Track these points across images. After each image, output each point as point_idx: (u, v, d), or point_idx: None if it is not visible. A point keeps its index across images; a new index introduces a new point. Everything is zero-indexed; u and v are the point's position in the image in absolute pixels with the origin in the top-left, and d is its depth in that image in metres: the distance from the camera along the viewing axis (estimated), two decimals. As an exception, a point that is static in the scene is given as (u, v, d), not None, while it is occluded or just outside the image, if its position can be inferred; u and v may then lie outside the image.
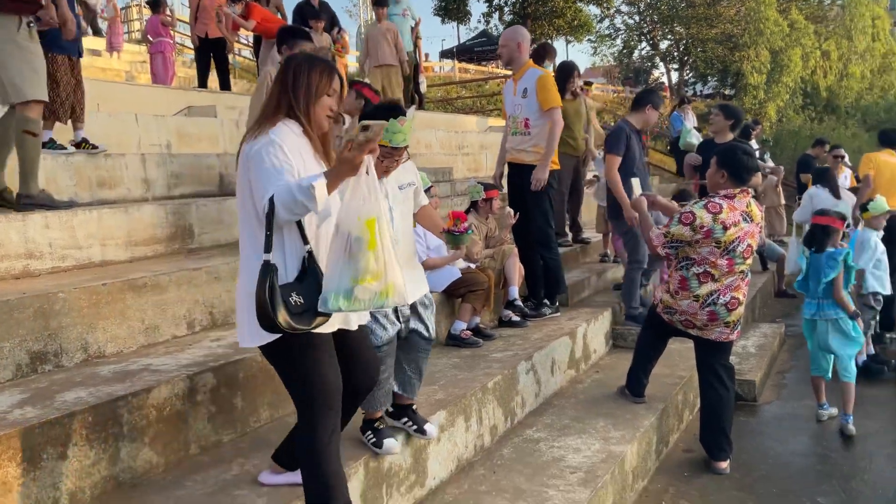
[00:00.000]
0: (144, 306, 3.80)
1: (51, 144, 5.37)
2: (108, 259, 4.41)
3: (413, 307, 3.29)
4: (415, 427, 3.45)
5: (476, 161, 10.68)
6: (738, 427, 5.11)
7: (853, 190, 8.92)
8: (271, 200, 2.37)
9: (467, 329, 5.10)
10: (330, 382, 2.58)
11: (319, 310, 2.47)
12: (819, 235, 5.29)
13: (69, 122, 5.61)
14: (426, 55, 23.45)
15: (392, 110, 2.98)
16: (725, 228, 4.19)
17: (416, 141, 10.37)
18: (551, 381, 5.00)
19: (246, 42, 16.11)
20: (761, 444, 5.06)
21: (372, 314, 3.04)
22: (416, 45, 11.19)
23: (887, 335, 7.10)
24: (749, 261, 4.38)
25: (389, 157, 2.99)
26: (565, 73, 7.58)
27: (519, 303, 5.68)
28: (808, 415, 5.59)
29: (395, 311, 3.20)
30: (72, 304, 3.45)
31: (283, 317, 2.38)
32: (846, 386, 5.27)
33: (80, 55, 5.65)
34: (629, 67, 41.41)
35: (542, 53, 7.11)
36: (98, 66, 12.77)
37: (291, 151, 2.49)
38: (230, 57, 10.82)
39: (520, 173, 5.64)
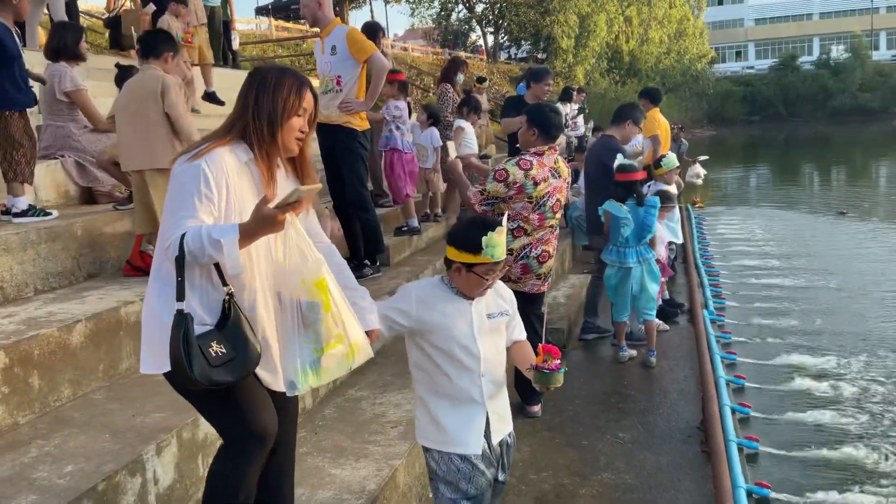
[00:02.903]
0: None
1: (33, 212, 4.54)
2: None
3: (500, 453, 2.80)
4: None
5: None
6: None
7: None
8: (182, 242, 2.10)
9: (286, 293, 5.02)
10: (262, 424, 2.34)
11: (288, 395, 2.28)
12: (637, 188, 5.65)
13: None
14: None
15: (485, 226, 2.58)
16: (536, 184, 4.38)
17: (231, 101, 9.96)
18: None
19: None
20: (570, 387, 5.39)
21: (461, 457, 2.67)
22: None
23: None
24: (558, 215, 4.61)
25: (492, 273, 2.62)
26: (371, 33, 7.41)
27: (339, 264, 5.65)
28: (610, 357, 6.02)
29: (489, 450, 2.72)
30: None
31: (201, 371, 2.12)
32: (650, 324, 5.78)
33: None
34: (447, 30, 41.95)
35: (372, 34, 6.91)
36: None
37: (220, 184, 2.20)
38: None
39: (332, 134, 5.55)
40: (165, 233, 2.19)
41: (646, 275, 5.76)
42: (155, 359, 2.26)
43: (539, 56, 39.11)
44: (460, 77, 9.03)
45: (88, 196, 5.60)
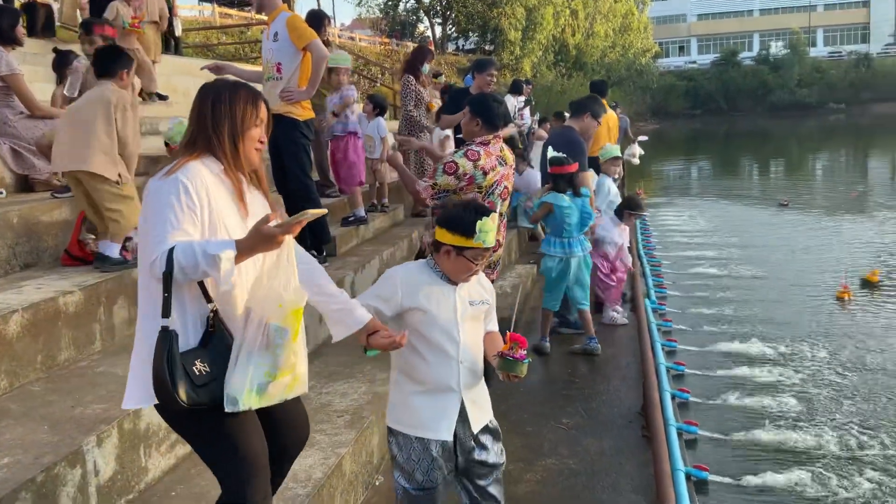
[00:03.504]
0: None
1: None
2: None
3: (476, 438, 2.75)
4: None
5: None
6: (496, 361, 5.48)
7: None
8: (170, 257, 2.05)
9: (230, 283, 4.97)
10: (254, 451, 2.26)
11: (227, 410, 2.16)
12: (574, 181, 5.74)
13: None
14: None
15: (480, 211, 2.61)
16: (485, 173, 4.40)
17: (173, 89, 9.81)
18: (320, 329, 5.03)
19: None
20: (516, 376, 5.46)
21: (415, 456, 2.66)
22: (168, -15, 10.47)
23: None
24: (506, 203, 4.65)
25: (481, 258, 2.64)
26: (315, 21, 7.31)
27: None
28: (555, 345, 6.11)
29: (466, 437, 2.70)
30: None
31: (184, 391, 2.07)
32: (585, 313, 5.89)
33: None
34: (395, 20, 41.73)
35: (317, 23, 6.84)
36: None
37: (201, 196, 2.16)
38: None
39: (274, 124, 5.47)
40: (147, 249, 2.13)
41: (582, 265, 5.87)
42: (139, 390, 2.20)
43: (487, 48, 39.23)
44: (426, 67, 8.47)
45: (25, 184, 5.44)
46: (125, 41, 7.24)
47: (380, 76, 18.69)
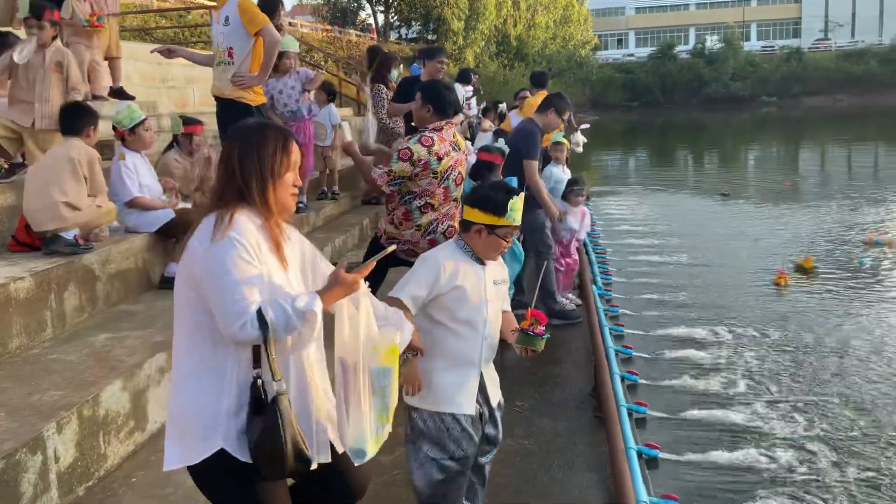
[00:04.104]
0: None
1: None
2: None
3: (492, 413, 2.96)
4: None
5: (183, 95, 10.11)
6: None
7: None
8: (261, 317, 1.95)
9: (183, 270, 4.91)
10: None
11: (356, 464, 2.14)
12: (482, 170, 5.80)
13: None
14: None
15: (509, 190, 2.74)
16: (440, 159, 4.44)
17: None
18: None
19: None
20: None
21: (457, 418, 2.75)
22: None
23: None
24: (461, 188, 4.69)
25: (510, 236, 2.78)
26: (269, 6, 7.26)
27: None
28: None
29: (484, 410, 2.88)
30: None
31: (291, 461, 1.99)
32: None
33: None
34: (336, 7, 41.30)
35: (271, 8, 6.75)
36: None
37: (253, 253, 2.04)
38: None
39: (224, 109, 5.43)
40: (226, 318, 1.97)
41: (506, 255, 5.91)
42: (187, 450, 2.07)
43: (429, 37, 39.17)
44: (395, 74, 8.26)
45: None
46: (84, 38, 6.99)
47: (323, 63, 18.45)
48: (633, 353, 5.88)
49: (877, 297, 7.57)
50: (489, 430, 2.93)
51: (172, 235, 4.91)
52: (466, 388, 2.78)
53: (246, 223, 2.06)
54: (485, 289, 2.79)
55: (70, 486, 2.90)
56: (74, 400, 3.01)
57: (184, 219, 4.86)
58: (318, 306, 2.02)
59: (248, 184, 2.10)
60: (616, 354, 5.65)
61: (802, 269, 8.52)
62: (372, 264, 2.16)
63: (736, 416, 4.84)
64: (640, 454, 4.13)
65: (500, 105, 11.54)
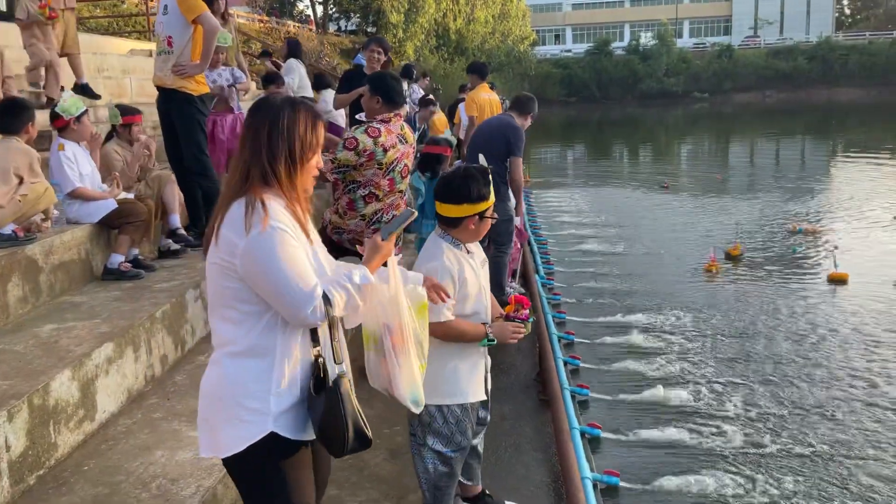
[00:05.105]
0: None
1: None
2: None
3: (487, 395, 3.07)
4: None
5: (119, 85, 9.90)
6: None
7: None
8: (326, 299, 1.99)
9: (126, 262, 4.86)
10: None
11: (416, 412, 2.33)
12: (433, 163, 5.90)
13: None
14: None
15: (480, 173, 2.83)
16: (385, 150, 4.49)
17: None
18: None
19: None
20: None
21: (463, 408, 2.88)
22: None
23: None
24: (407, 180, 4.76)
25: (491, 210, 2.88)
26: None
27: (182, 232, 5.52)
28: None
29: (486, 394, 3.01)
30: None
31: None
32: None
33: None
34: (274, -2, 40.71)
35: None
36: None
37: (295, 235, 2.04)
38: None
39: (166, 98, 5.38)
40: (289, 308, 1.99)
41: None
42: (233, 438, 2.05)
43: (368, 30, 38.94)
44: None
45: None
46: (42, 38, 6.77)
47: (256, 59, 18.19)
48: (575, 339, 6.06)
49: (797, 280, 7.95)
50: (481, 412, 3.07)
51: (114, 226, 4.85)
52: (477, 376, 2.89)
53: (277, 208, 2.01)
54: (479, 274, 2.88)
55: (21, 474, 2.89)
56: (24, 389, 2.99)
57: (125, 209, 4.81)
58: (371, 277, 2.12)
59: (274, 165, 2.03)
60: (559, 340, 5.81)
61: (731, 257, 8.86)
62: (400, 230, 2.27)
63: (672, 397, 5.05)
64: (583, 434, 4.29)
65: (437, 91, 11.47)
